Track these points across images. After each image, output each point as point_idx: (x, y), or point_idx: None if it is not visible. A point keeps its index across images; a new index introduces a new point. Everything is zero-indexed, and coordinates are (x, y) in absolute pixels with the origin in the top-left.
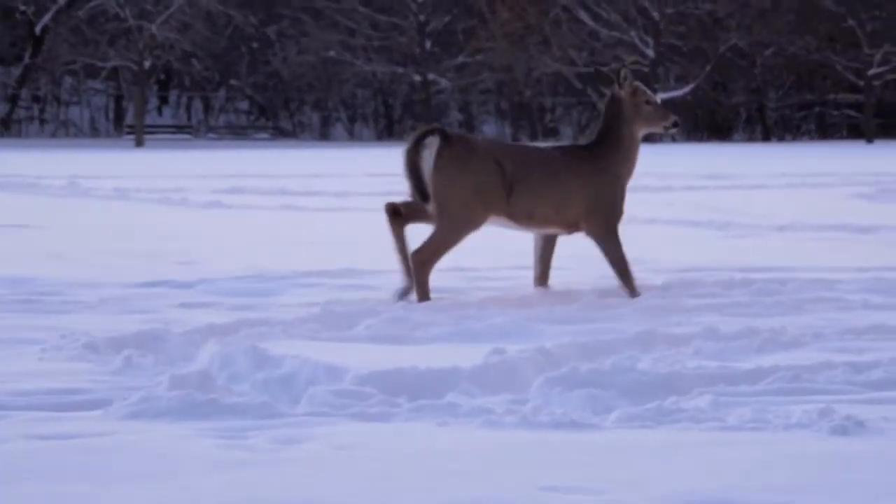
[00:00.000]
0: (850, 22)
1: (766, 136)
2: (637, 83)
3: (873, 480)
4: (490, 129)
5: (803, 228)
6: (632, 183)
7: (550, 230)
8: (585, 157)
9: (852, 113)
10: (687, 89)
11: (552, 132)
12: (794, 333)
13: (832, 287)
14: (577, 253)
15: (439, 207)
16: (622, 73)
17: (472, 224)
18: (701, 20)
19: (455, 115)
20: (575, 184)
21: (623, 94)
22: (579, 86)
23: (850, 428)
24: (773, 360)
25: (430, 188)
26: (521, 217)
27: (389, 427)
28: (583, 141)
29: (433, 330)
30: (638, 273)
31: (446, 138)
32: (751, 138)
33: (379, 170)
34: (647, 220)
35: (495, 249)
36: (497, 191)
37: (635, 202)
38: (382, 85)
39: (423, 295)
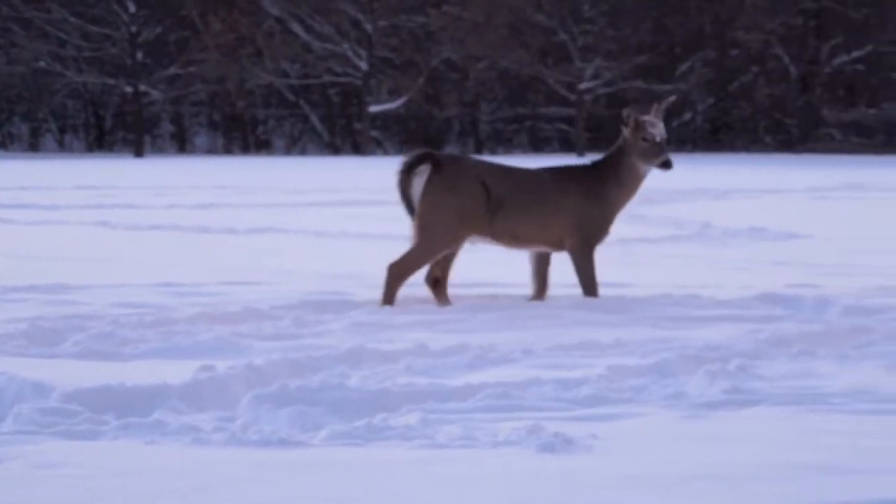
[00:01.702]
0: (562, 36)
1: (479, 150)
2: (642, 119)
3: (581, 498)
4: (202, 141)
5: None
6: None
7: (537, 248)
8: (576, 178)
9: (564, 126)
10: (400, 102)
11: (265, 144)
12: (504, 349)
13: (543, 303)
14: (283, 266)
15: (421, 225)
16: (624, 113)
17: (448, 244)
18: (414, 33)
19: (167, 127)
20: (562, 204)
21: (627, 130)
22: (292, 98)
23: (557, 445)
24: (483, 377)
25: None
26: (504, 237)
27: (96, 445)
28: (583, 162)
29: (142, 346)
30: (349, 289)
31: (437, 165)
32: (463, 151)
33: (89, 182)
34: (358, 235)
35: (204, 265)
36: (480, 212)
37: (348, 216)
38: (93, 96)
39: (389, 301)
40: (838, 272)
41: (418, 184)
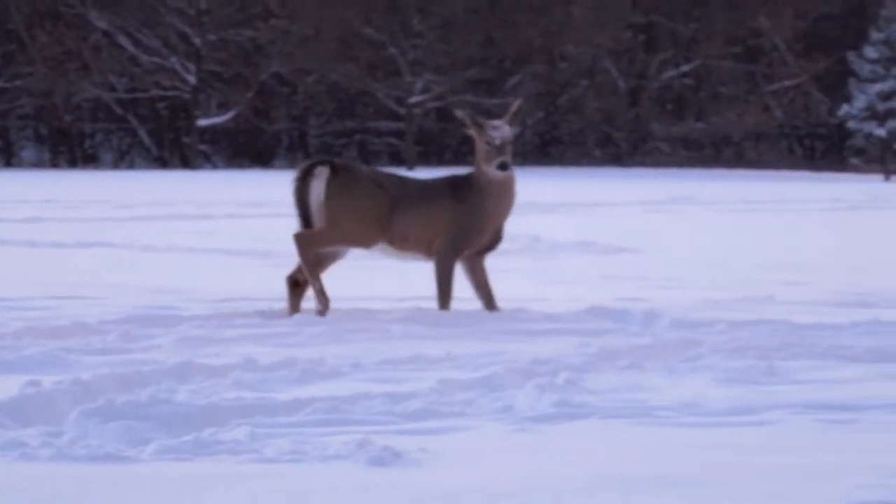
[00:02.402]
0: (392, 50)
1: None
2: (485, 122)
3: None
4: (28, 154)
5: (343, 258)
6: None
7: (418, 255)
8: (453, 186)
9: (393, 140)
10: (229, 116)
11: (92, 158)
12: (333, 363)
13: (373, 317)
14: (111, 281)
15: (330, 225)
16: (458, 115)
17: (359, 240)
18: (243, 47)
19: None
20: (437, 208)
21: (473, 134)
22: (120, 112)
23: (387, 459)
24: (311, 391)
25: (319, 216)
26: (398, 240)
27: None
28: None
29: None
30: (176, 303)
31: (334, 169)
32: (292, 165)
33: None
34: (185, 250)
35: (30, 280)
36: (382, 213)
37: (176, 231)
38: None
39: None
40: (666, 286)
41: (317, 186)
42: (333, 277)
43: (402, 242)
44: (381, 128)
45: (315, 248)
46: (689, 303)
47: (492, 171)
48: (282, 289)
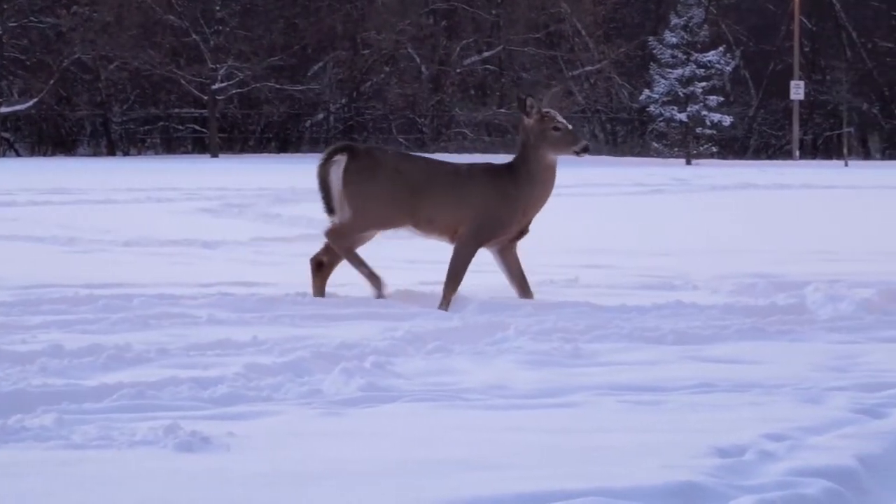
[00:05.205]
0: (194, 37)
1: (111, 151)
2: (547, 110)
3: (218, 496)
4: None
5: (148, 244)
6: None
7: (444, 238)
8: (488, 175)
9: (197, 127)
10: (30, 103)
11: None
12: (139, 349)
13: (177, 303)
14: None
15: (354, 210)
16: (528, 102)
17: (381, 224)
18: (44, 34)
19: None
20: (467, 196)
21: (530, 121)
22: None
23: (195, 444)
24: (118, 377)
25: (339, 202)
26: (423, 223)
27: None
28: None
29: None
30: None
31: (353, 154)
32: (96, 152)
33: None
34: None
35: None
36: (403, 197)
37: None
38: None
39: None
40: (472, 269)
41: (335, 172)
42: (135, 265)
43: (428, 225)
44: (184, 115)
45: (345, 240)
46: (495, 286)
47: (555, 157)
48: (86, 275)
